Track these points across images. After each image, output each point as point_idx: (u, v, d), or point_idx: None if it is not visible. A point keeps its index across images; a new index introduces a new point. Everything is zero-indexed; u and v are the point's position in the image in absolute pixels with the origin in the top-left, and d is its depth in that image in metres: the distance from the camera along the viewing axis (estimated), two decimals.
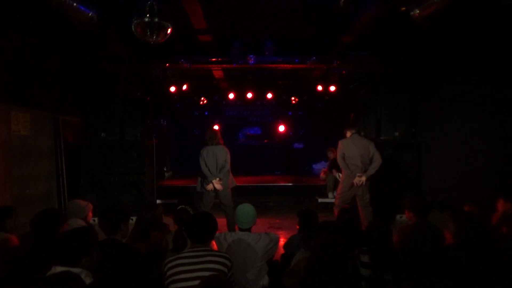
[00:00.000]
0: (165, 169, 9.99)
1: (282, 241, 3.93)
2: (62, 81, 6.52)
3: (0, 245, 3.01)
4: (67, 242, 2.26)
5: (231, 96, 10.25)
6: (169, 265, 2.46)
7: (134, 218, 3.87)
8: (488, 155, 5.11)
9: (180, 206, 3.82)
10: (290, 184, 8.44)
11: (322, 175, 8.38)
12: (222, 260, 2.50)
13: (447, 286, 1.91)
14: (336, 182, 7.64)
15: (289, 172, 10.75)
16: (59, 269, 2.05)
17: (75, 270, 2.04)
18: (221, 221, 5.68)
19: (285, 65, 7.44)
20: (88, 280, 2.07)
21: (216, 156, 5.34)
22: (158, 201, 7.23)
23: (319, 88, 9.07)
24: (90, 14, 4.69)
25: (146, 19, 4.29)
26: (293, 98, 11.35)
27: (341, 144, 5.41)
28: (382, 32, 6.28)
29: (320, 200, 7.59)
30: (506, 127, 4.78)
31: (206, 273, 2.34)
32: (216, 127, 11.09)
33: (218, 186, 5.29)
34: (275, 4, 5.55)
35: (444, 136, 6.25)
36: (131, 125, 7.05)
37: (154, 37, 4.43)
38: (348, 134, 5.47)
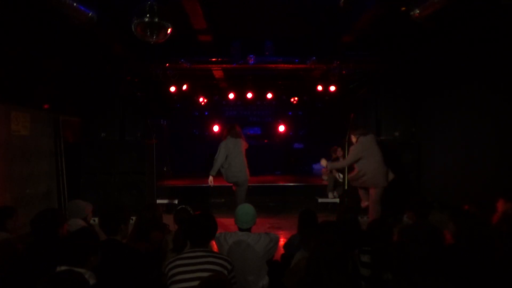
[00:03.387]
0: (165, 169, 9.98)
1: (282, 241, 3.93)
2: (62, 81, 6.52)
3: (0, 245, 3.02)
4: (73, 244, 2.27)
5: (231, 96, 10.22)
6: (170, 266, 2.48)
7: (134, 218, 3.87)
8: (488, 155, 5.10)
9: (180, 206, 3.82)
10: (290, 184, 8.43)
11: (324, 172, 8.32)
12: (222, 262, 2.50)
13: (447, 286, 1.91)
14: (336, 182, 7.64)
15: (289, 172, 10.74)
16: (64, 269, 2.06)
17: (80, 270, 2.04)
18: (223, 221, 5.73)
19: (285, 65, 7.43)
20: (91, 281, 2.06)
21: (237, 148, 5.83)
22: (158, 201, 7.24)
23: (319, 88, 9.04)
24: (90, 14, 4.68)
25: (146, 19, 4.28)
26: (293, 98, 11.34)
27: (361, 142, 5.30)
28: (382, 32, 6.27)
29: (320, 200, 7.59)
30: (506, 126, 4.77)
31: (206, 274, 2.34)
32: (216, 127, 11.09)
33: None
34: (275, 4, 5.54)
35: (444, 136, 6.24)
36: (131, 125, 7.06)
37: (154, 37, 4.42)
38: (354, 139, 5.46)
